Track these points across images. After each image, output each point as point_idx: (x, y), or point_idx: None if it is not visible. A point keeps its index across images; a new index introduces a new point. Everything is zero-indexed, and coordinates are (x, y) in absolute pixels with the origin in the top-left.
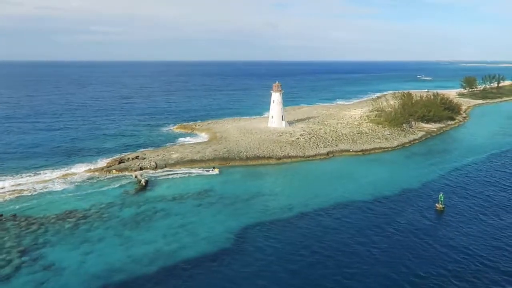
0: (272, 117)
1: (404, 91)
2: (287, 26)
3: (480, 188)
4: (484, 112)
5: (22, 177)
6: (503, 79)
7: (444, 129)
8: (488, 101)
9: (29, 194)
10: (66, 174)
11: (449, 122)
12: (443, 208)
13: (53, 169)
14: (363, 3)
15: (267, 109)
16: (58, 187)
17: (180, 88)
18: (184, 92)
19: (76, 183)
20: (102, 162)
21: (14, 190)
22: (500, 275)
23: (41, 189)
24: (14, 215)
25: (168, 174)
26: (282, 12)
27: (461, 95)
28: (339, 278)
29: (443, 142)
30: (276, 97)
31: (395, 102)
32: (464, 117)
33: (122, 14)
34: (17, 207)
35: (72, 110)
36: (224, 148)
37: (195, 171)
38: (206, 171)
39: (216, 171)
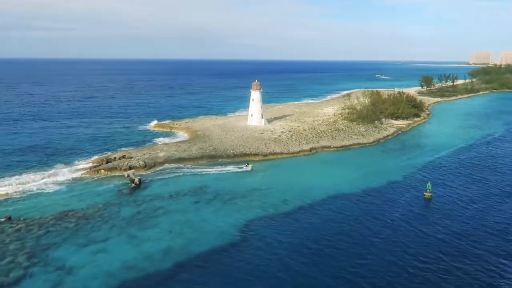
0: (252, 115)
1: (372, 89)
2: (243, 24)
3: (456, 179)
4: (443, 109)
5: (5, 180)
6: (457, 79)
7: (412, 125)
8: (445, 99)
9: (19, 196)
10: (51, 175)
11: (416, 119)
12: (431, 196)
13: (35, 172)
14: (320, 2)
15: (239, 107)
16: (48, 188)
17: (144, 87)
18: (150, 91)
19: (66, 184)
20: (86, 163)
21: (1, 194)
22: (486, 252)
23: (30, 191)
24: (9, 218)
25: (201, 172)
26: (239, 11)
27: (420, 93)
28: (348, 266)
29: (414, 137)
30: (255, 95)
31: (364, 100)
32: (427, 114)
33: (68, 9)
34: (10, 209)
35: (36, 111)
36: (210, 146)
37: (229, 168)
38: (239, 167)
39: (250, 167)
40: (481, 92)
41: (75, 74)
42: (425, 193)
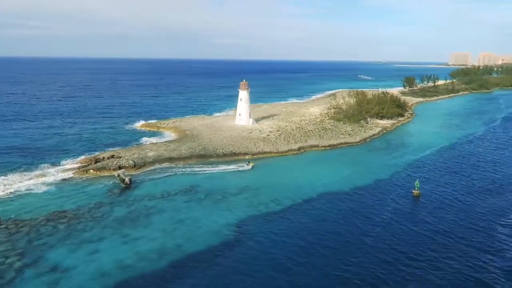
0: (240, 114)
1: (357, 89)
2: (224, 24)
3: (442, 177)
4: (426, 109)
5: None
6: (438, 79)
7: (396, 125)
8: (427, 99)
9: (6, 197)
10: (39, 176)
11: (400, 118)
12: (419, 193)
13: (22, 172)
14: (300, 2)
15: (226, 107)
16: (36, 189)
17: (129, 86)
18: (135, 90)
19: (54, 185)
20: (73, 163)
21: None
22: (472, 248)
23: (18, 191)
24: None
25: (199, 171)
26: (220, 10)
27: (403, 93)
28: (341, 264)
29: (399, 136)
30: (243, 95)
31: (349, 100)
32: (411, 113)
33: (51, 8)
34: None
35: (18, 111)
36: (199, 146)
37: (232, 166)
38: (240, 166)
39: (251, 165)
40: (461, 93)
41: (56, 73)
42: (413, 191)
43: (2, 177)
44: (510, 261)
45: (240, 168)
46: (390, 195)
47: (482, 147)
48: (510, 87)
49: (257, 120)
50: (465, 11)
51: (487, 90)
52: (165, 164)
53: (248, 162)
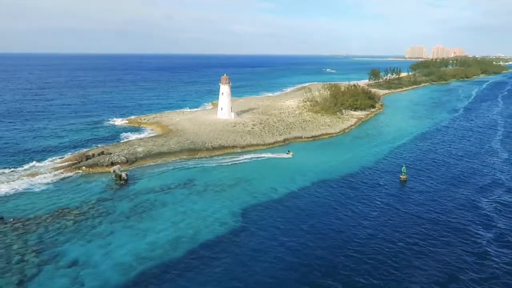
0: (222, 108)
1: (330, 83)
2: (188, 18)
3: (422, 162)
4: (393, 100)
5: None
6: (401, 71)
7: (370, 115)
8: (392, 90)
9: (3, 195)
10: (31, 175)
11: (372, 110)
12: (406, 178)
13: (10, 172)
14: None
15: (201, 102)
16: (33, 187)
17: (92, 82)
18: (101, 87)
19: (50, 183)
20: (62, 161)
21: None
22: (460, 224)
23: (14, 190)
24: (1, 218)
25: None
26: (183, 3)
27: (369, 86)
28: (346, 244)
29: (374, 126)
30: (225, 89)
31: (324, 92)
32: (381, 105)
33: None
34: (0, 209)
35: None
36: (187, 140)
37: (269, 155)
38: (279, 155)
39: (291, 154)
40: (422, 84)
41: (4, 70)
42: (400, 176)
43: None
44: (493, 233)
45: (280, 157)
46: (379, 180)
47: (451, 136)
48: (466, 79)
49: (239, 114)
50: (423, 5)
51: (445, 82)
52: (159, 159)
53: (288, 151)
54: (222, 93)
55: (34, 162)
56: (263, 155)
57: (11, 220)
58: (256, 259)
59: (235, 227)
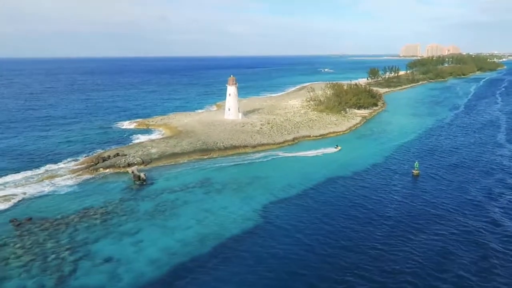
0: (229, 109)
1: (333, 82)
2: (181, 20)
3: (431, 158)
4: (394, 98)
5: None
6: (399, 70)
7: (373, 114)
8: (392, 89)
9: (28, 198)
10: (50, 177)
11: (375, 108)
12: (419, 173)
13: (30, 175)
14: None
15: (205, 103)
16: (58, 189)
17: (93, 87)
18: (102, 91)
19: (71, 184)
20: (77, 163)
21: (5, 196)
22: (466, 219)
23: (39, 192)
24: (30, 219)
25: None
26: (177, 5)
27: (369, 84)
28: (367, 243)
29: (379, 124)
30: (232, 90)
31: (327, 92)
32: (383, 103)
33: None
34: (28, 210)
35: None
36: (199, 141)
37: (320, 150)
38: (326, 149)
39: (339, 148)
40: (420, 82)
41: (4, 75)
42: (413, 171)
43: (11, 179)
44: (502, 227)
45: (329, 151)
46: (393, 175)
47: (455, 131)
48: (462, 76)
49: (245, 114)
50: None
51: (442, 79)
52: (173, 160)
53: (336, 146)
54: (229, 94)
55: (49, 165)
56: (278, 153)
57: (42, 220)
58: (275, 255)
59: (258, 224)
